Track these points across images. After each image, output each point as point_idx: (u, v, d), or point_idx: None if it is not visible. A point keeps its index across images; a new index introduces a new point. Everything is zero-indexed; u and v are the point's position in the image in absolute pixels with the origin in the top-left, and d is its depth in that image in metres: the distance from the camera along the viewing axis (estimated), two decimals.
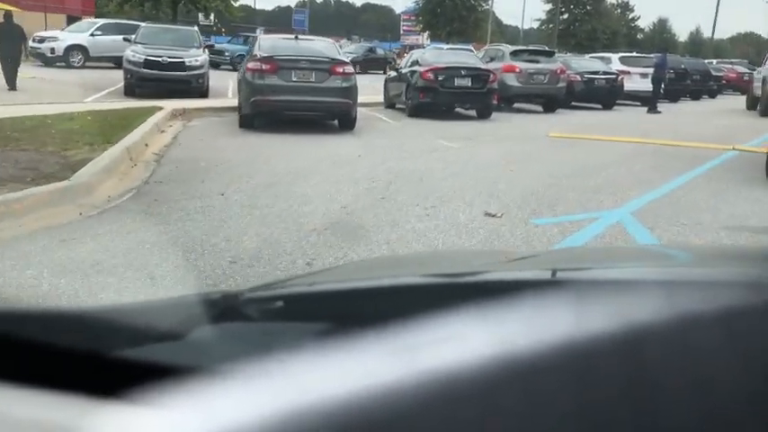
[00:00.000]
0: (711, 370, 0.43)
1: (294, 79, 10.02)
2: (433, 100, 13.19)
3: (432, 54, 14.92)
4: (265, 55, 10.18)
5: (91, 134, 7.98)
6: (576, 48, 48.07)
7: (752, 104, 18.83)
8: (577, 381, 0.39)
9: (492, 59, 16.66)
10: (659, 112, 17.21)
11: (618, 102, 19.73)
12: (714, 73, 28.33)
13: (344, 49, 35.85)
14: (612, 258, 1.19)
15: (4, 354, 0.43)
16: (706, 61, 33.51)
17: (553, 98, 16.33)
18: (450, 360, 0.38)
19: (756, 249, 1.40)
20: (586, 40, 50.69)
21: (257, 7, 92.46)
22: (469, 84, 13.37)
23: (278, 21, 69.34)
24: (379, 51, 34.55)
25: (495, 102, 13.80)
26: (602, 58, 21.22)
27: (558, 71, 16.19)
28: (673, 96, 22.92)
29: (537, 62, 16.27)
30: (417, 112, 13.36)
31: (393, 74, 15.74)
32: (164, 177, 6.44)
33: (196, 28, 16.88)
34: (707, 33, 62.24)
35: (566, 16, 52.90)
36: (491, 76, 13.60)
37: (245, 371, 0.38)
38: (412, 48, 28.96)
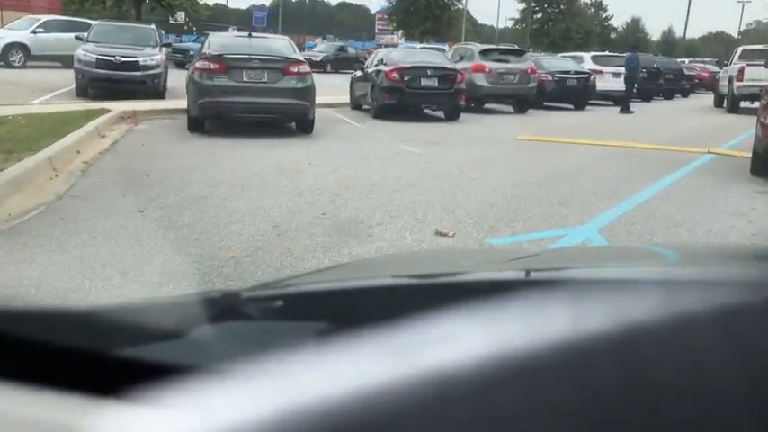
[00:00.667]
0: (709, 369, 0.42)
1: (245, 80, 9.28)
2: (398, 101, 12.54)
3: (397, 53, 14.29)
4: (214, 53, 9.43)
5: (15, 141, 7.22)
6: (550, 47, 47.70)
7: (718, 102, 19.15)
8: (574, 380, 0.39)
9: (462, 59, 16.05)
10: (632, 113, 16.74)
11: (591, 102, 19.28)
12: (687, 72, 28.03)
13: (315, 49, 35.42)
14: (609, 258, 1.17)
15: (4, 352, 0.42)
16: (678, 60, 33.34)
17: (524, 98, 15.77)
18: (448, 360, 0.38)
19: (754, 248, 1.40)
20: (560, 39, 50.33)
21: (231, 6, 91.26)
22: (436, 84, 12.74)
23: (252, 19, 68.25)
24: (351, 51, 33.77)
25: (462, 103, 13.18)
26: (574, 58, 20.74)
27: (529, 71, 15.63)
28: (645, 96, 22.52)
29: (507, 62, 15.68)
30: (382, 113, 12.71)
31: (359, 73, 15.03)
32: (82, 191, 5.72)
33: (153, 26, 16.02)
34: (679, 33, 62.30)
35: (539, 15, 52.56)
36: (458, 75, 12.98)
37: (244, 370, 0.38)
38: (387, 47, 28.37)
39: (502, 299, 0.47)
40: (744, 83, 17.17)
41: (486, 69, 15.32)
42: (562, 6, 51.85)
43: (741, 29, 78.30)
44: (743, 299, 0.51)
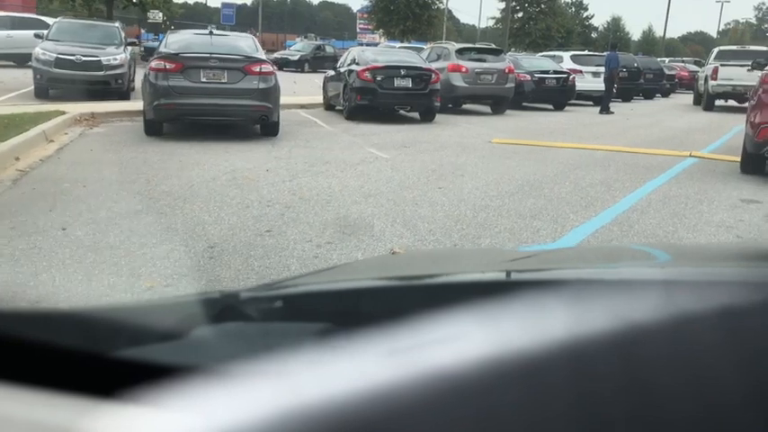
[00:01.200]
0: (709, 369, 0.42)
1: (203, 80, 8.67)
2: (370, 102, 12.02)
3: (370, 52, 13.73)
4: (170, 52, 8.84)
5: None
6: (531, 46, 47.33)
7: (697, 100, 20.30)
8: (574, 380, 0.39)
9: (438, 58, 15.56)
10: (611, 113, 16.33)
11: (571, 102, 18.88)
12: (667, 72, 27.75)
13: (293, 48, 34.75)
14: (610, 258, 1.16)
15: (3, 354, 0.42)
16: (658, 60, 33.12)
17: (501, 99, 15.31)
18: (448, 360, 0.38)
19: (754, 248, 1.44)
20: (541, 38, 50.00)
21: (211, 5, 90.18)
22: (410, 84, 12.23)
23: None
24: (329, 49, 33.07)
25: (437, 103, 12.67)
26: (553, 57, 20.33)
27: (507, 70, 15.15)
28: (625, 96, 22.17)
29: (484, 61, 15.20)
30: (355, 114, 12.18)
31: (331, 73, 14.50)
32: (6, 204, 5.14)
33: (117, 24, 15.35)
34: (659, 32, 62.27)
35: (520, 14, 52.15)
36: (433, 75, 12.47)
37: (244, 371, 0.38)
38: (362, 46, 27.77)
39: (502, 299, 0.47)
40: (718, 82, 18.09)
41: (463, 69, 14.83)
42: (543, 5, 51.47)
43: (720, 28, 78.54)
44: (742, 299, 0.50)
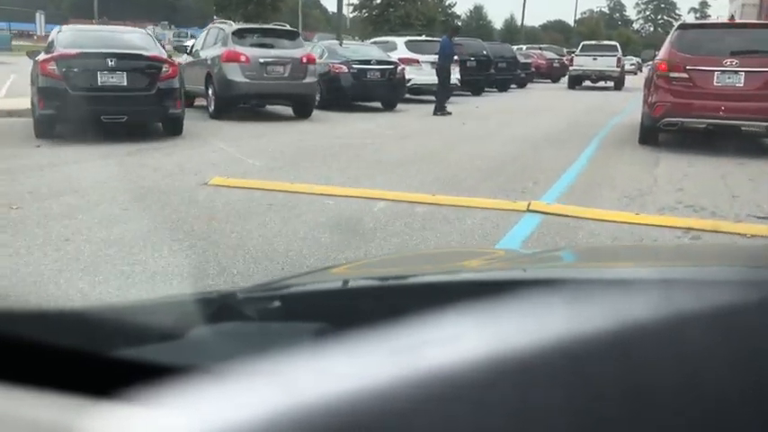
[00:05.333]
0: (706, 369, 0.41)
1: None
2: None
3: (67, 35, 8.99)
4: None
5: None
6: (390, 35, 43.48)
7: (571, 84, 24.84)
8: (573, 380, 0.38)
9: (215, 42, 11.09)
10: (449, 114, 12.48)
11: (408, 97, 14.95)
12: (523, 60, 24.58)
13: None
14: (608, 257, 1.13)
15: (0, 353, 0.41)
16: (515, 47, 30.12)
17: (301, 98, 11.05)
18: (446, 360, 0.37)
19: (751, 248, 1.41)
20: (400, 26, 46.34)
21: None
22: (125, 82, 7.67)
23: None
24: (164, 38, 27.53)
25: (177, 110, 8.21)
26: (386, 44, 16.33)
27: (305, 59, 10.89)
28: (475, 88, 18.57)
29: (272, 47, 10.85)
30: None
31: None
32: None
33: None
34: (521, 21, 60.41)
35: (379, 1, 48.21)
36: (165, 68, 7.98)
37: (241, 370, 0.38)
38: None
39: (500, 299, 0.46)
40: (574, 67, 24.70)
41: (243, 58, 10.43)
42: None
43: (576, 17, 78.50)
44: (740, 298, 0.49)
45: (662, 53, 8.56)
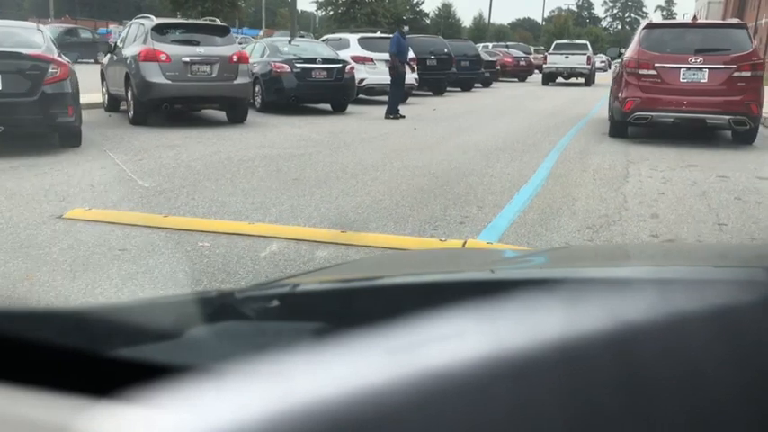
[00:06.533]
0: (703, 368, 0.41)
1: None
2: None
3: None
4: None
5: None
6: (345, 32, 42.13)
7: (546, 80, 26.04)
8: (571, 380, 0.38)
9: (135, 39, 9.80)
10: (402, 117, 11.33)
11: (364, 99, 13.83)
12: (488, 58, 23.54)
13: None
14: (606, 257, 1.12)
15: None
16: (481, 45, 29.11)
17: (233, 102, 9.81)
18: (444, 359, 0.37)
19: (749, 248, 1.38)
20: (366, 24, 45.14)
21: None
22: None
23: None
24: (85, 35, 25.95)
25: (70, 118, 6.93)
26: (339, 41, 15.13)
27: (235, 58, 9.64)
28: (436, 88, 17.48)
29: (197, 44, 9.58)
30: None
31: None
32: None
33: None
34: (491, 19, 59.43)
35: None
36: (55, 70, 6.71)
37: (239, 370, 0.37)
38: None
39: (498, 298, 0.46)
40: (548, 65, 25.90)
41: (163, 57, 9.16)
42: None
43: (545, 15, 77.88)
44: (737, 298, 0.49)
45: (630, 51, 8.78)
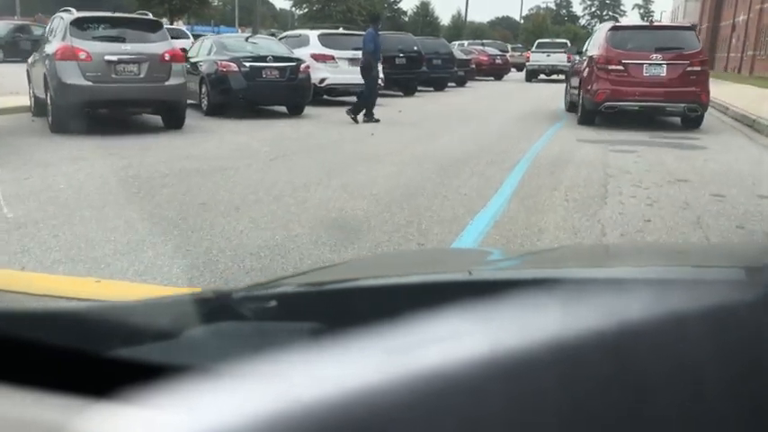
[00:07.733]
0: (701, 368, 0.41)
1: None
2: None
3: None
4: None
5: None
6: (306, 27, 41.01)
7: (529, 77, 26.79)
8: (569, 379, 0.38)
9: (54, 36, 8.61)
10: (376, 121, 10.22)
11: (327, 99, 12.73)
12: (463, 56, 22.51)
13: None
14: (604, 257, 1.10)
15: None
16: (456, 43, 28.09)
17: (164, 105, 8.65)
18: (442, 360, 0.37)
19: (748, 247, 1.42)
20: (342, 21, 44.03)
21: None
22: None
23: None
24: (38, 32, 24.53)
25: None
26: (297, 38, 14.02)
27: (167, 57, 8.49)
28: (406, 88, 16.39)
29: (123, 40, 8.41)
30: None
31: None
32: None
33: None
34: (469, 17, 58.48)
35: None
36: None
37: (237, 370, 0.37)
38: None
39: (495, 299, 0.45)
40: (531, 62, 27.10)
41: (82, 55, 7.99)
42: None
43: (523, 13, 77.17)
44: (734, 298, 0.48)
45: (600, 49, 9.97)
